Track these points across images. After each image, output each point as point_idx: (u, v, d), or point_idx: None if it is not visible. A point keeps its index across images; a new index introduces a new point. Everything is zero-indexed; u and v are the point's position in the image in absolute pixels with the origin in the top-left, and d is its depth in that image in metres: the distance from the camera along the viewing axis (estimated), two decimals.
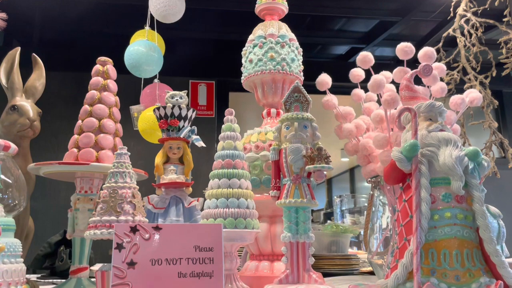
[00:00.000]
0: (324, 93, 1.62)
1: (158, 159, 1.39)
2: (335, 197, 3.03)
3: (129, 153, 1.22)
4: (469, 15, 2.59)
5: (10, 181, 1.16)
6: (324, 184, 11.08)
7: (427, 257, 1.11)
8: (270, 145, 1.38)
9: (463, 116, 2.19)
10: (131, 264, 1.06)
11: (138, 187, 1.21)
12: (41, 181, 1.55)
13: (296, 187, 1.18)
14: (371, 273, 1.79)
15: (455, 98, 1.51)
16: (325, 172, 1.20)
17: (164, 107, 1.37)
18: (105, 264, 1.12)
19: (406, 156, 1.16)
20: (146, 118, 1.84)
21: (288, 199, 1.17)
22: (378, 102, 1.57)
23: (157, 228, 1.12)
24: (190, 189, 1.41)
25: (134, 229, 1.10)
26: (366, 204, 2.58)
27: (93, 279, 1.30)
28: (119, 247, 1.07)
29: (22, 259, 1.12)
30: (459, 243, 1.11)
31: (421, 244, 1.10)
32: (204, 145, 1.41)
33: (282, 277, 1.14)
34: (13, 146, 1.17)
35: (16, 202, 1.16)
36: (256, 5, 1.69)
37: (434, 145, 1.17)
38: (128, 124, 2.00)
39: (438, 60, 2.58)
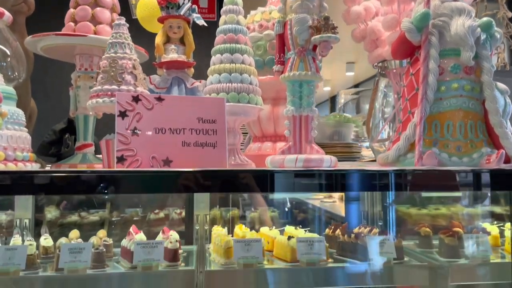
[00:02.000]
0: None
1: (158, 38, 1.34)
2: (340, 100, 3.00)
3: (127, 24, 1.17)
4: None
5: (8, 51, 1.13)
6: (327, 102, 11.04)
7: (430, 129, 1.11)
8: (274, 24, 1.32)
9: (477, 8, 2.09)
10: (135, 131, 1.06)
11: (138, 60, 1.18)
12: (40, 62, 1.52)
13: (301, 60, 1.14)
14: (373, 161, 1.82)
15: None
16: (331, 45, 1.16)
17: None
18: (109, 134, 1.13)
19: (417, 26, 1.11)
20: (145, 5, 1.76)
21: (292, 72, 1.14)
22: None
23: (159, 99, 1.11)
24: (192, 70, 1.38)
25: (136, 99, 1.08)
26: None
27: (98, 156, 1.33)
28: (122, 114, 1.06)
29: (26, 130, 1.13)
30: (464, 114, 1.10)
31: (425, 115, 1.09)
32: (205, 24, 1.36)
33: (284, 149, 1.15)
34: (7, 13, 1.12)
35: (16, 73, 1.14)
36: None
37: (447, 15, 1.11)
38: (127, 14, 1.92)
39: None
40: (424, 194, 2.45)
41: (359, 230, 1.61)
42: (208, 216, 1.89)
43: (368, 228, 1.61)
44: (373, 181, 1.02)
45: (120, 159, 1.03)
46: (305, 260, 1.41)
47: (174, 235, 1.53)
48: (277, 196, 2.84)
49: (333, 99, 10.29)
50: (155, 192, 1.10)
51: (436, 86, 1.09)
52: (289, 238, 1.51)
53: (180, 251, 1.61)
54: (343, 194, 2.64)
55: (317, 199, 3.64)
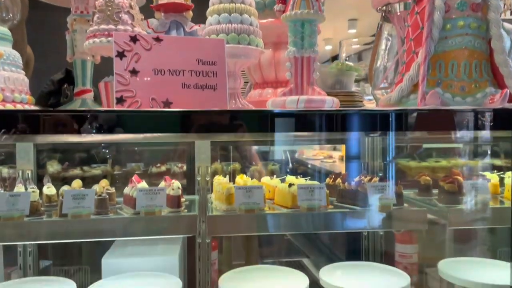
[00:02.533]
0: None
1: None
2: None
3: None
4: None
5: None
6: (329, 62, 10.90)
7: (434, 69, 1.09)
8: None
9: None
10: (134, 72, 1.05)
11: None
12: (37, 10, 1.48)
13: None
14: None
15: None
16: None
17: None
18: (108, 76, 1.11)
19: None
20: None
21: (294, 11, 1.11)
22: None
23: (158, 39, 1.08)
24: (191, 13, 1.34)
25: (134, 39, 1.06)
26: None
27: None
28: (120, 55, 1.04)
29: (23, 72, 1.11)
30: (469, 53, 1.08)
31: (430, 54, 1.07)
32: None
33: (286, 91, 1.14)
34: None
35: (10, 14, 1.11)
36: None
37: None
38: None
39: None
40: (425, 146, 2.46)
41: (359, 178, 1.62)
42: (209, 168, 1.90)
43: (368, 177, 1.62)
44: (375, 120, 1.01)
45: (120, 100, 1.02)
46: (306, 205, 1.43)
47: (176, 183, 1.54)
48: (277, 156, 2.86)
49: (334, 59, 10.17)
50: (156, 132, 1.09)
51: (442, 24, 1.06)
52: (290, 185, 1.52)
53: (183, 199, 1.63)
54: (343, 154, 2.65)
55: (317, 159, 3.67)
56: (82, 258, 2.01)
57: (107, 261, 1.55)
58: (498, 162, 2.12)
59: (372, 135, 1.99)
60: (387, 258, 2.00)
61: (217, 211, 1.47)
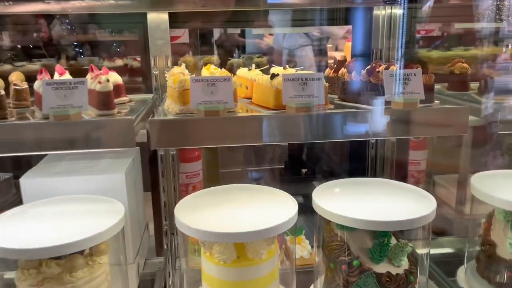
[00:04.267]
0: None
1: None
2: None
3: None
4: None
5: None
6: None
7: None
8: None
9: None
10: None
11: None
12: None
13: None
14: None
15: None
16: None
17: None
18: None
19: None
20: None
21: None
22: None
23: None
24: None
25: None
26: None
27: None
28: None
29: None
30: None
31: None
32: None
33: None
34: None
35: None
36: None
37: None
38: None
39: None
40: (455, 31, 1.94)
41: (371, 67, 1.15)
42: (169, 59, 1.42)
43: (384, 65, 1.16)
44: None
45: None
46: (294, 105, 0.98)
47: (110, 76, 1.09)
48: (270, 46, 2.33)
49: None
50: None
51: None
52: (273, 76, 1.06)
53: (124, 98, 1.19)
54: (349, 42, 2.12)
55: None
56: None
57: (26, 181, 1.15)
58: None
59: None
60: (398, 168, 1.62)
61: (170, 115, 1.04)
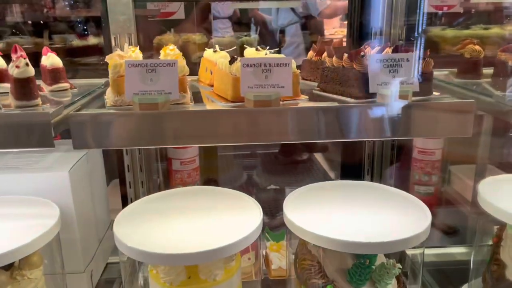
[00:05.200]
0: None
1: None
2: None
3: None
4: None
5: None
6: None
7: None
8: None
9: None
10: None
11: None
12: None
13: None
14: None
15: None
16: None
17: None
18: None
19: None
20: None
21: None
22: None
23: None
24: None
25: None
26: None
27: None
28: None
29: None
30: None
31: None
32: None
33: None
34: None
35: None
36: None
37: None
38: None
39: None
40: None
41: (357, 50, 0.94)
42: (131, 37, 1.24)
43: (378, 47, 0.94)
44: None
45: None
46: (252, 97, 0.79)
47: (52, 58, 0.92)
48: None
49: None
50: None
51: None
52: (232, 60, 0.86)
53: (65, 84, 1.02)
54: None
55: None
56: None
57: None
58: None
59: None
60: (399, 164, 1.42)
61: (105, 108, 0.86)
